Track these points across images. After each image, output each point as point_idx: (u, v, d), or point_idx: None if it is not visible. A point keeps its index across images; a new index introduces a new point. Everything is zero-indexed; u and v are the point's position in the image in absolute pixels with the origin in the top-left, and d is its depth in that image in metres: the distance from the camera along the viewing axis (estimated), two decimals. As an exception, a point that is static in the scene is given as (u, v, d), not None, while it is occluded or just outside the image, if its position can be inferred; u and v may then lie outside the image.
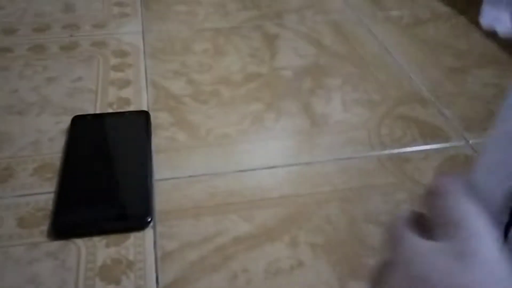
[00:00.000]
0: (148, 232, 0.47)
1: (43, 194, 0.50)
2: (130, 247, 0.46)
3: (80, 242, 0.46)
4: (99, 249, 0.45)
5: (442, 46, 0.82)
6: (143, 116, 0.60)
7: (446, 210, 0.21)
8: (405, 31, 0.85)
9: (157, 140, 0.58)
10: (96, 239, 0.46)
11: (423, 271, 0.20)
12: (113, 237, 0.46)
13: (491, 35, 0.85)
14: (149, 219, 0.47)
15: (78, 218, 0.47)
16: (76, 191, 0.50)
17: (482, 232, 0.20)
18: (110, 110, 0.63)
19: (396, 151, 0.59)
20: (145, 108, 0.63)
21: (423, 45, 0.82)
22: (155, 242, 0.46)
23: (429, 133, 0.62)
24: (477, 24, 0.89)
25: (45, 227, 0.47)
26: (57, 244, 0.45)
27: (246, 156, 0.57)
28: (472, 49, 0.82)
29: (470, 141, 0.61)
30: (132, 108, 0.63)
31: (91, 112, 0.62)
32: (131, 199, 0.49)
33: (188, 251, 0.46)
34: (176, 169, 0.54)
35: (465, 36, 0.86)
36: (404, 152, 0.59)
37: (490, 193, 0.21)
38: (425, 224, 0.23)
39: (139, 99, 0.65)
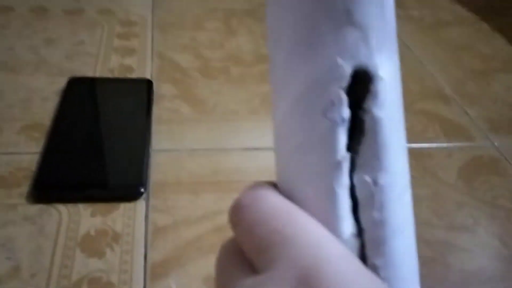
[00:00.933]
0: (140, 204, 0.42)
1: (27, 154, 0.45)
2: (118, 218, 0.40)
3: (62, 208, 0.41)
4: (83, 217, 0.40)
5: (465, 49, 0.78)
6: (145, 85, 0.55)
7: (257, 227, 0.15)
8: (427, 32, 0.81)
9: (159, 110, 0.53)
10: (81, 206, 0.41)
11: None
12: (100, 206, 0.41)
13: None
14: (142, 190, 0.42)
15: (62, 181, 0.42)
16: (64, 154, 0.45)
17: (312, 243, 0.14)
18: (110, 76, 0.58)
19: (416, 145, 0.54)
20: (148, 78, 0.58)
21: (445, 46, 0.78)
22: (146, 216, 0.41)
23: (452, 131, 0.57)
24: (500, 31, 0.85)
25: (25, 188, 0.42)
26: (36, 208, 0.40)
27: (254, 134, 0.52)
28: (496, 54, 0.78)
29: (496, 143, 0.56)
30: (134, 76, 0.58)
31: (90, 75, 0.57)
32: (123, 167, 0.44)
33: (184, 229, 0.40)
34: (177, 141, 0.50)
35: (488, 41, 0.82)
36: (425, 148, 0.54)
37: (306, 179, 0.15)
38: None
39: (142, 68, 0.60)
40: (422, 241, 0.42)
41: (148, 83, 0.56)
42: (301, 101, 0.14)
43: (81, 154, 0.45)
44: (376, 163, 0.14)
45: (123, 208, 0.41)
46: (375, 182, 0.14)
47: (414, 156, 0.52)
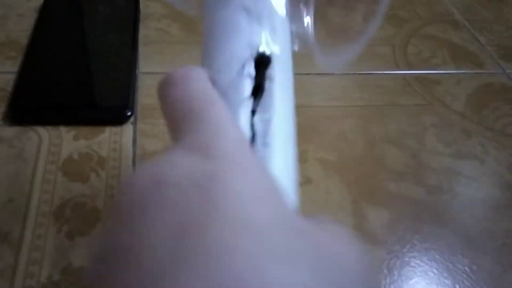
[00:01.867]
0: (127, 128, 0.39)
1: (3, 73, 0.42)
2: (103, 142, 0.37)
3: (42, 130, 0.38)
4: (65, 140, 0.37)
5: (477, -27, 0.73)
6: (131, 2, 0.51)
7: (179, 103, 0.17)
8: (437, -47, 0.75)
9: (146, 31, 0.49)
10: (63, 129, 0.38)
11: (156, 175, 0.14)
12: (83, 129, 0.38)
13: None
14: (129, 113, 0.39)
15: (42, 102, 0.39)
16: (44, 74, 0.41)
17: (224, 122, 0.16)
18: (93, -7, 0.53)
19: (424, 72, 0.50)
20: (134, -5, 0.53)
21: (455, -31, 0.72)
22: (134, 140, 0.38)
23: (462, 57, 0.53)
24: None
25: (1, 110, 0.38)
26: (14, 130, 0.37)
27: (250, 57, 0.48)
28: (510, -21, 0.73)
29: (507, 71, 0.53)
30: (119, -6, 0.53)
31: (70, -8, 0.52)
32: (108, 89, 0.41)
33: (174, 154, 0.38)
34: (167, 64, 0.46)
35: (501, -34, 0.76)
36: (433, 74, 0.50)
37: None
38: None
39: (128, -15, 0.55)
40: (428, 169, 0.40)
41: (135, 0, 0.51)
42: (227, 63, 0.20)
43: (62, 74, 0.41)
44: (270, 109, 0.20)
45: (109, 132, 0.38)
46: (268, 119, 0.20)
47: (422, 82, 0.49)
